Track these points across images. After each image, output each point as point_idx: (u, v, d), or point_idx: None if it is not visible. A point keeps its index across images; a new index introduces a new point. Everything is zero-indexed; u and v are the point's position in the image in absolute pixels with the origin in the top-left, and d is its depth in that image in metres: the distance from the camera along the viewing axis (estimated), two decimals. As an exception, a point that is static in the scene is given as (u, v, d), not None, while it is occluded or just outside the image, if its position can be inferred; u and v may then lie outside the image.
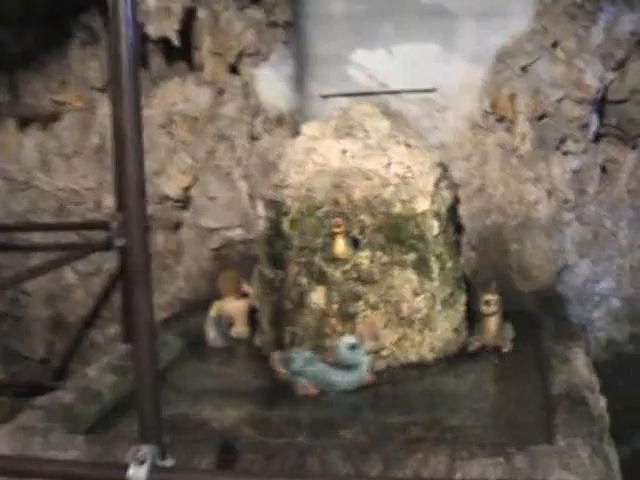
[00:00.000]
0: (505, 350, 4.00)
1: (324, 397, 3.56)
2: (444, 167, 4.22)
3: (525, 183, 4.99)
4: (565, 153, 5.01)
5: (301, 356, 3.59)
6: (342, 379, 3.54)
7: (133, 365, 2.13)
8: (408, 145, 4.02)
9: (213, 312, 4.40)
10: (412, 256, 3.80)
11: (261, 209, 4.04)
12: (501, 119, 5.03)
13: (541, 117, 5.00)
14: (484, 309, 4.01)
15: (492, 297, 4.02)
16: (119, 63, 1.92)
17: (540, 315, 4.55)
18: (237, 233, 5.27)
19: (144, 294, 2.02)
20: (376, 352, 3.70)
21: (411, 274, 3.81)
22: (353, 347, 3.53)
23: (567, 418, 3.01)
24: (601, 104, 5.06)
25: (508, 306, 4.28)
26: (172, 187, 5.33)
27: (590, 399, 3.24)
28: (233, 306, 4.42)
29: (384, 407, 3.50)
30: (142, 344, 2.08)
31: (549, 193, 4.97)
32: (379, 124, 4.07)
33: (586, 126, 5.01)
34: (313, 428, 3.28)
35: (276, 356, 3.70)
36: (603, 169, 5.07)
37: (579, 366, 3.60)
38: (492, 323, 4.02)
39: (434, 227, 3.84)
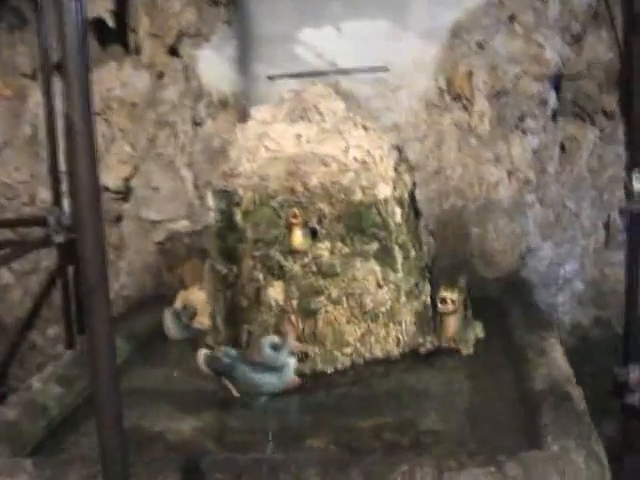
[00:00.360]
0: (465, 353, 3.70)
1: (265, 401, 3.33)
2: (399, 149, 4.03)
3: (485, 164, 4.87)
4: (524, 132, 4.88)
5: (226, 355, 3.33)
6: (266, 381, 3.29)
7: (91, 385, 1.86)
8: (365, 127, 3.82)
9: (178, 303, 4.22)
10: (374, 246, 3.62)
11: (210, 200, 3.78)
12: (457, 97, 4.87)
13: (499, 94, 4.86)
14: (440, 307, 3.73)
15: (449, 295, 3.69)
16: (65, 42, 1.62)
17: (506, 302, 4.38)
18: (182, 225, 5.09)
19: (102, 307, 1.75)
20: (301, 354, 3.50)
21: (374, 265, 3.61)
22: (275, 347, 3.31)
23: (554, 418, 2.81)
24: (557, 80, 4.95)
25: (473, 293, 4.07)
26: (111, 178, 5.10)
27: (573, 394, 3.05)
28: (197, 296, 4.21)
29: (351, 409, 3.27)
30: (102, 363, 1.81)
31: (510, 174, 4.86)
32: (335, 106, 3.85)
33: (545, 103, 4.88)
34: (278, 438, 3.05)
35: (200, 354, 3.39)
36: (562, 148, 4.98)
37: (557, 358, 3.42)
38: (450, 323, 3.71)
39: (397, 214, 3.64)
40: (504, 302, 4.39)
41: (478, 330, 3.87)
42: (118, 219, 5.21)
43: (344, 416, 3.20)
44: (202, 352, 3.40)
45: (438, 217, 4.86)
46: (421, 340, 3.73)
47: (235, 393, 3.31)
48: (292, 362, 3.32)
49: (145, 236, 5.15)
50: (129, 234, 5.19)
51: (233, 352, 3.37)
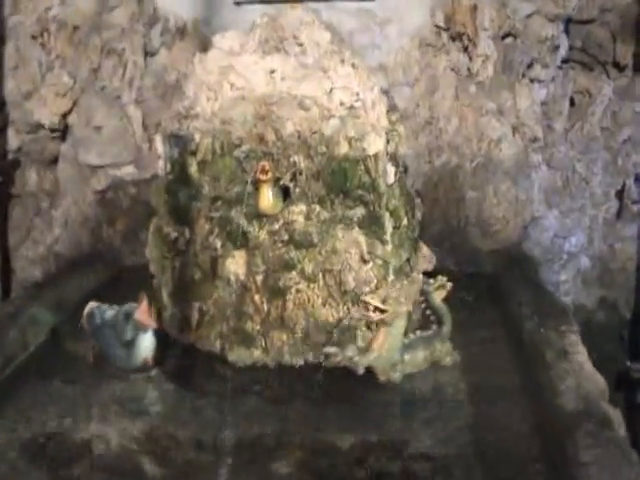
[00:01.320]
0: (381, 380, 2.94)
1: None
2: (387, 95, 3.57)
3: (485, 116, 4.44)
4: (532, 81, 4.42)
5: (101, 314, 3.13)
6: (115, 354, 3.03)
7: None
8: (354, 65, 3.33)
9: None
10: (360, 211, 3.16)
11: (159, 146, 3.37)
12: (457, 37, 4.40)
13: (506, 36, 4.39)
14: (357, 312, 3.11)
15: (372, 301, 2.99)
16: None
17: (507, 281, 3.86)
18: (127, 172, 4.65)
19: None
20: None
21: (358, 235, 3.15)
22: (128, 316, 3.02)
23: (596, 454, 2.22)
24: (567, 24, 4.50)
25: (464, 267, 3.79)
26: (46, 113, 4.63)
27: (613, 417, 2.47)
28: None
29: (327, 419, 2.70)
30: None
31: (514, 129, 4.45)
32: (318, 36, 3.33)
33: (556, 49, 4.42)
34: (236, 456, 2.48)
35: (87, 307, 3.19)
36: (571, 102, 4.56)
37: (583, 362, 2.85)
38: (378, 336, 2.97)
39: (389, 173, 3.19)
40: (504, 281, 3.87)
41: (445, 356, 3.10)
42: (53, 162, 4.75)
43: (318, 429, 2.64)
44: (90, 305, 3.19)
45: (427, 176, 4.45)
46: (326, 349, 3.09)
47: (89, 358, 3.10)
48: (146, 339, 2.96)
49: (84, 183, 4.68)
50: (65, 180, 4.71)
51: (111, 313, 3.11)
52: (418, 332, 3.07)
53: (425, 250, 3.53)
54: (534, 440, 2.52)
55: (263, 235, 3.10)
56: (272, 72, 3.26)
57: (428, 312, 3.20)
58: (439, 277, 3.18)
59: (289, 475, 2.40)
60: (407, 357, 2.96)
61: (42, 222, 4.75)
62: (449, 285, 3.13)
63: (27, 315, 3.33)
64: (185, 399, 2.85)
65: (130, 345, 2.96)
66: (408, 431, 2.60)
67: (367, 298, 2.95)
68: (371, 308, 2.93)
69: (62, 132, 4.69)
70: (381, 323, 2.92)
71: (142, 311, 2.95)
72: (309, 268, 3.10)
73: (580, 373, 2.74)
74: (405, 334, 3.00)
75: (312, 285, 3.11)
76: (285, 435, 2.58)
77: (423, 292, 3.21)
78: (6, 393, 2.83)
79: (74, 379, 2.99)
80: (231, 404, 2.74)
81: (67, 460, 2.48)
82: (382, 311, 2.90)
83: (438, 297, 3.15)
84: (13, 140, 4.62)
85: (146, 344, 2.95)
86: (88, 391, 2.90)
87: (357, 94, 3.23)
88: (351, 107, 3.20)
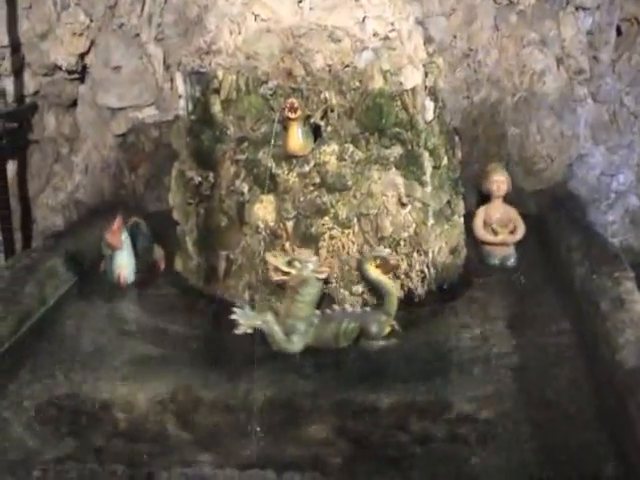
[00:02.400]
0: (288, 351, 2.73)
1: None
2: (422, 26, 3.51)
3: (527, 47, 4.29)
4: (577, 8, 4.26)
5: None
6: (107, 269, 3.25)
7: None
8: None
9: None
10: (397, 151, 3.05)
11: (180, 84, 3.27)
12: None
13: None
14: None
15: (271, 260, 2.81)
16: None
17: (554, 223, 3.73)
18: (149, 114, 4.53)
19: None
20: None
21: (395, 176, 3.05)
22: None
23: None
24: None
25: None
26: (63, 54, 4.48)
27: None
28: None
29: (363, 377, 2.57)
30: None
31: (558, 61, 4.30)
32: None
33: None
34: (266, 419, 2.31)
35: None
36: (618, 31, 4.37)
37: None
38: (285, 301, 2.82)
39: (428, 109, 3.11)
40: (551, 223, 3.75)
41: (375, 338, 2.79)
42: (72, 105, 4.63)
43: (354, 388, 2.50)
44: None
45: (466, 112, 4.33)
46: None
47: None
48: (118, 257, 3.21)
49: (104, 127, 4.56)
50: (85, 123, 4.61)
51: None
52: (348, 306, 2.85)
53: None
54: (591, 402, 2.36)
55: (293, 178, 2.99)
56: (300, 1, 3.15)
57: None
58: (377, 248, 2.94)
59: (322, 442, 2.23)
60: (311, 330, 2.74)
61: (62, 168, 4.66)
62: (392, 259, 2.87)
63: (45, 268, 3.22)
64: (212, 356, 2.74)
65: (109, 261, 3.21)
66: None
67: (269, 256, 2.81)
68: (271, 267, 2.78)
69: (80, 73, 4.58)
70: (289, 288, 2.74)
71: (111, 232, 3.14)
72: (343, 213, 3.01)
73: (639, 324, 2.54)
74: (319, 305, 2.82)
75: (347, 231, 3.02)
76: (318, 395, 2.45)
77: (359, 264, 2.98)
78: (22, 351, 2.72)
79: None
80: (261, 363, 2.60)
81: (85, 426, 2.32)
82: (285, 273, 2.74)
83: (375, 272, 2.87)
84: (29, 83, 4.52)
85: (119, 262, 3.18)
86: (107, 349, 2.80)
87: (392, 24, 3.11)
88: (385, 38, 3.08)
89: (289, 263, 2.71)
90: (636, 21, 4.32)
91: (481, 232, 3.41)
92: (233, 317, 2.72)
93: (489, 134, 4.31)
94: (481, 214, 3.43)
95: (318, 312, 2.75)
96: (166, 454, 2.14)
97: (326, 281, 2.90)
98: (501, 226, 3.39)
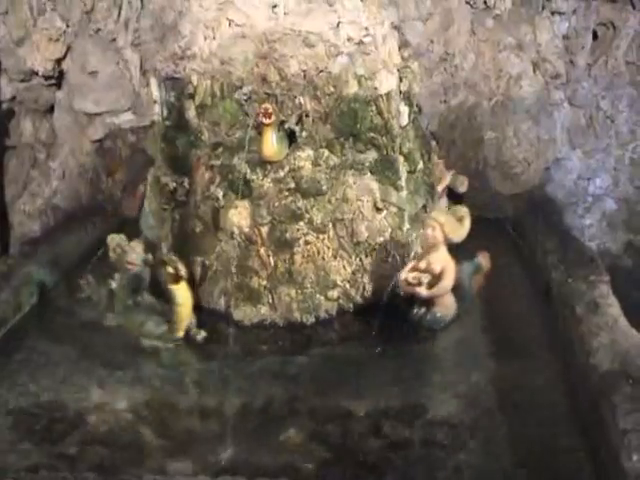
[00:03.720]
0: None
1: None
2: (398, 30, 3.55)
3: (504, 51, 4.32)
4: (553, 13, 4.29)
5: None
6: None
7: None
8: None
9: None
10: (372, 156, 3.08)
11: (155, 90, 3.28)
12: None
13: None
14: None
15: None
16: None
17: (530, 227, 3.73)
18: (126, 119, 4.55)
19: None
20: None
21: (371, 181, 3.08)
22: None
23: (636, 419, 2.03)
24: None
25: (484, 212, 3.57)
26: (39, 59, 4.49)
27: None
28: None
29: (339, 381, 2.59)
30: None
31: (535, 65, 4.33)
32: None
33: None
34: (240, 424, 2.31)
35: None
36: (594, 36, 4.38)
37: (616, 316, 2.64)
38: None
39: (403, 114, 3.16)
40: (527, 227, 3.76)
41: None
42: (49, 110, 4.64)
43: (330, 393, 2.51)
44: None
45: (443, 116, 4.36)
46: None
47: None
48: None
49: (81, 132, 4.58)
50: (61, 129, 4.63)
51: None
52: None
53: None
54: (565, 404, 2.37)
55: (268, 183, 3.00)
56: (274, 6, 3.16)
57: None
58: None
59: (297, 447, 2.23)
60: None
61: (39, 174, 4.67)
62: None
63: (21, 275, 3.20)
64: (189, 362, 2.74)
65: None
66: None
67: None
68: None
69: (57, 79, 4.58)
70: None
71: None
72: (318, 218, 3.01)
73: (614, 328, 2.55)
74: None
75: (322, 236, 3.02)
76: (294, 400, 2.46)
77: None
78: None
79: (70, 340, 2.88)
80: (237, 366, 2.62)
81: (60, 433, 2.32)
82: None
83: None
84: (6, 89, 4.52)
85: None
86: (84, 354, 2.78)
87: (366, 29, 3.14)
88: (360, 43, 3.11)
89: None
90: (612, 25, 4.32)
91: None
92: None
93: (466, 138, 4.35)
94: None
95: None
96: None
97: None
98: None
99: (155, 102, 3.31)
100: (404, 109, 3.11)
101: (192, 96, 3.12)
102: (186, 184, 3.18)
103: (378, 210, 3.07)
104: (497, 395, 2.42)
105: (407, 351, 2.74)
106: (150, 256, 2.96)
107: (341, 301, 3.03)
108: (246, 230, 3.02)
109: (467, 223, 3.11)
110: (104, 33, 4.48)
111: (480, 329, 2.88)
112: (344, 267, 3.04)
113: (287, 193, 2.99)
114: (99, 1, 4.44)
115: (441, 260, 2.78)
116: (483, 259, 2.93)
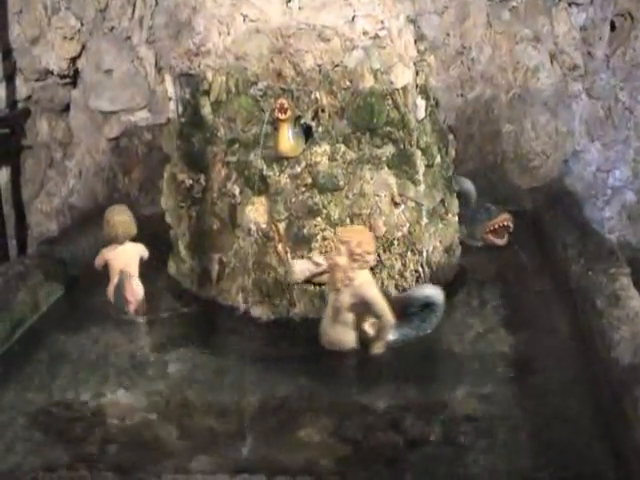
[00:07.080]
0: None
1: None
2: (414, 24, 3.42)
3: (521, 43, 4.31)
4: (570, 4, 4.28)
5: None
6: None
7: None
8: None
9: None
10: (389, 150, 3.03)
11: (170, 87, 3.30)
12: None
13: None
14: None
15: None
16: None
17: (549, 220, 3.70)
18: (141, 117, 4.56)
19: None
20: None
21: (388, 176, 3.03)
22: None
23: None
24: None
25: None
26: (54, 58, 4.52)
27: None
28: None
29: (357, 379, 2.61)
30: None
31: (552, 57, 4.32)
32: None
33: None
34: (260, 423, 2.30)
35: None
36: (612, 26, 4.37)
37: (638, 309, 2.61)
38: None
39: (419, 108, 3.11)
40: (546, 221, 3.73)
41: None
42: (64, 109, 4.65)
43: (347, 390, 2.50)
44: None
45: (460, 110, 4.34)
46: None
47: None
48: None
49: (97, 131, 4.60)
50: (77, 128, 4.65)
51: None
52: None
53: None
54: (587, 399, 2.34)
55: (284, 179, 2.97)
56: (288, 1, 3.12)
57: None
58: None
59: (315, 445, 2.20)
60: None
61: (56, 174, 4.68)
62: None
63: (39, 274, 3.18)
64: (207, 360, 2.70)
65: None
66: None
67: None
68: None
69: (72, 78, 4.60)
70: None
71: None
72: (335, 213, 2.98)
73: (635, 321, 2.52)
74: None
75: None
76: (312, 397, 2.44)
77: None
78: (15, 358, 2.69)
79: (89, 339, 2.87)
80: (255, 363, 2.61)
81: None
82: None
83: None
84: (21, 89, 4.53)
85: None
86: (103, 352, 2.77)
87: (382, 22, 3.08)
88: (375, 36, 3.06)
89: None
90: (630, 16, 4.32)
91: None
92: None
93: (484, 131, 4.34)
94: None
95: None
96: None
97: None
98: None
99: (170, 99, 3.31)
100: (421, 103, 3.07)
101: (207, 92, 3.11)
102: (202, 181, 3.16)
103: (396, 205, 3.02)
104: (519, 392, 2.39)
105: (425, 347, 2.71)
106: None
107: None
108: (263, 226, 2.99)
109: None
110: (118, 31, 4.50)
111: (499, 324, 2.85)
112: (362, 262, 2.98)
113: (304, 189, 2.95)
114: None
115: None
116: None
